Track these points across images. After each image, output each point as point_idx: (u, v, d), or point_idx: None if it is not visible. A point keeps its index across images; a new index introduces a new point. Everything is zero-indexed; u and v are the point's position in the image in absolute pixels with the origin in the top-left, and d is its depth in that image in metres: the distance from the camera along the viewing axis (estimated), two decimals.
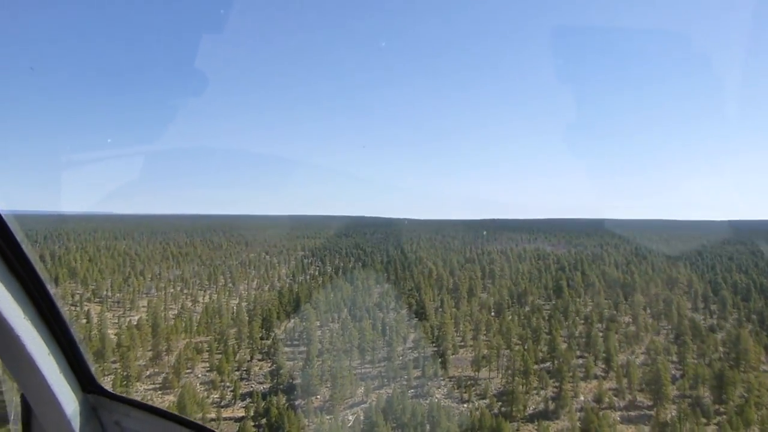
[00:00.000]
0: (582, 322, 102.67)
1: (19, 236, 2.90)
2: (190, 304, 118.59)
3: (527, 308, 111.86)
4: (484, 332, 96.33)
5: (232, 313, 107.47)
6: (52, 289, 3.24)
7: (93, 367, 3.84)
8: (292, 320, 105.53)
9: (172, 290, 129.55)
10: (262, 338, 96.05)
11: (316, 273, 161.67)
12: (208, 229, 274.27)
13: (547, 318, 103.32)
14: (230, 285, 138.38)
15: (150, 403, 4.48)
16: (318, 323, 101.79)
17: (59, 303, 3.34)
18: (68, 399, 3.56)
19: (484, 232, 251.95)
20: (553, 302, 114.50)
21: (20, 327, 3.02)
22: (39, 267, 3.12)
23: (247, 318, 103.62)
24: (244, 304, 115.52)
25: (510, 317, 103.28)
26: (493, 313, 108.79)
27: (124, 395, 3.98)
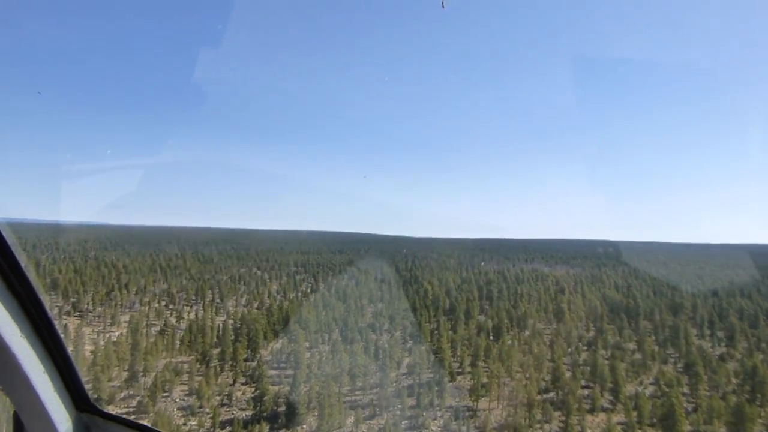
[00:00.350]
0: (585, 348, 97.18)
1: (18, 253, 2.87)
2: (174, 320, 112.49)
3: (527, 332, 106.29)
4: (483, 358, 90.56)
5: (217, 332, 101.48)
6: (48, 306, 3.19)
7: (87, 386, 3.78)
8: (280, 341, 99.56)
9: (156, 305, 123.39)
10: (246, 360, 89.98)
11: (308, 290, 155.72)
12: (202, 242, 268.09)
13: (548, 343, 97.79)
14: (218, 301, 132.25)
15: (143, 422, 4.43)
16: (307, 344, 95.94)
17: (55, 321, 3.27)
18: (62, 418, 3.52)
19: (483, 259, 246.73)
20: (554, 326, 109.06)
21: (16, 344, 2.99)
22: (36, 284, 3.09)
23: (233, 337, 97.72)
24: (230, 321, 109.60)
25: (510, 342, 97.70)
26: (491, 337, 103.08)
27: (118, 415, 3.88)
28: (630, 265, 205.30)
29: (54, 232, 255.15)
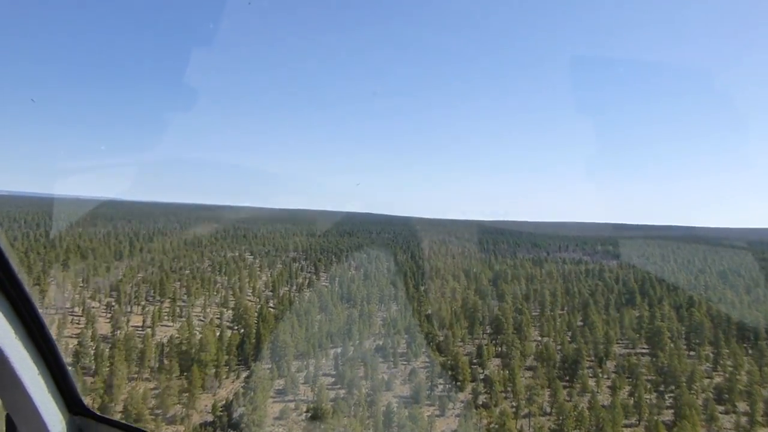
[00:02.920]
0: (714, 396, 60.52)
1: (10, 255, 2.80)
2: (104, 329, 77.51)
3: (613, 365, 69.62)
4: (556, 415, 54.38)
5: (154, 355, 66.44)
6: (40, 309, 3.10)
7: (80, 389, 3.68)
8: (247, 375, 64.15)
9: (94, 304, 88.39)
10: (185, 405, 54.68)
11: (305, 283, 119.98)
12: (197, 220, 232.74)
13: (654, 388, 61.27)
14: (183, 299, 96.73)
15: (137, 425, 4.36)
16: (282, 383, 60.53)
17: (47, 324, 3.17)
18: (54, 420, 3.41)
19: (509, 246, 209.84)
20: (650, 354, 72.21)
21: (9, 347, 2.92)
22: (28, 287, 2.99)
23: (175, 365, 62.54)
24: (184, 335, 74.28)
25: (594, 383, 61.38)
26: (561, 373, 66.60)
27: (111, 417, 3.78)
28: (683, 251, 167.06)
29: (35, 206, 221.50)
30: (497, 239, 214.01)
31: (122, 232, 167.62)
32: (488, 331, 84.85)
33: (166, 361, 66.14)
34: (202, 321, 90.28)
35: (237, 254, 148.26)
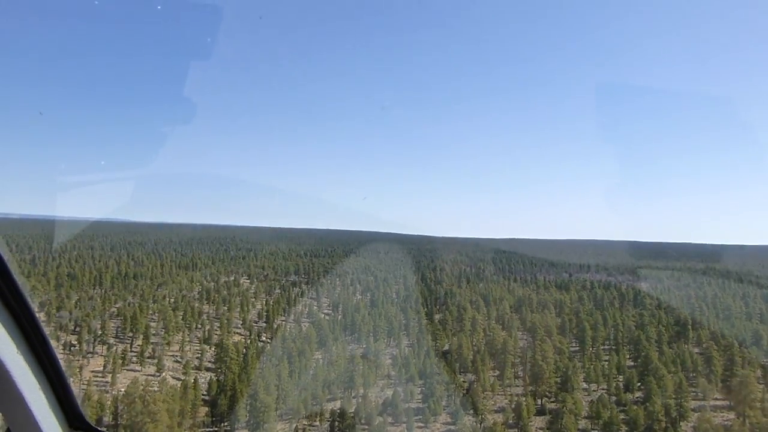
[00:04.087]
0: None
1: (14, 270, 2.77)
2: None
3: (690, 428, 53.24)
4: None
5: (109, 412, 51.07)
6: (43, 323, 3.06)
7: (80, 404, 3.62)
8: None
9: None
10: None
11: (303, 312, 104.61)
12: (193, 241, 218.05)
13: None
14: (160, 336, 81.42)
15: None
16: None
17: (49, 338, 3.15)
18: None
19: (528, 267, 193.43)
20: (733, 410, 55.73)
21: (11, 361, 2.86)
22: (32, 302, 2.98)
23: None
24: (143, 385, 58.81)
25: None
26: None
27: None
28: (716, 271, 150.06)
29: (34, 228, 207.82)
30: (511, 258, 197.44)
31: (108, 254, 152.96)
32: (521, 374, 68.79)
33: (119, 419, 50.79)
34: (178, 362, 75.04)
35: (232, 278, 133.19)
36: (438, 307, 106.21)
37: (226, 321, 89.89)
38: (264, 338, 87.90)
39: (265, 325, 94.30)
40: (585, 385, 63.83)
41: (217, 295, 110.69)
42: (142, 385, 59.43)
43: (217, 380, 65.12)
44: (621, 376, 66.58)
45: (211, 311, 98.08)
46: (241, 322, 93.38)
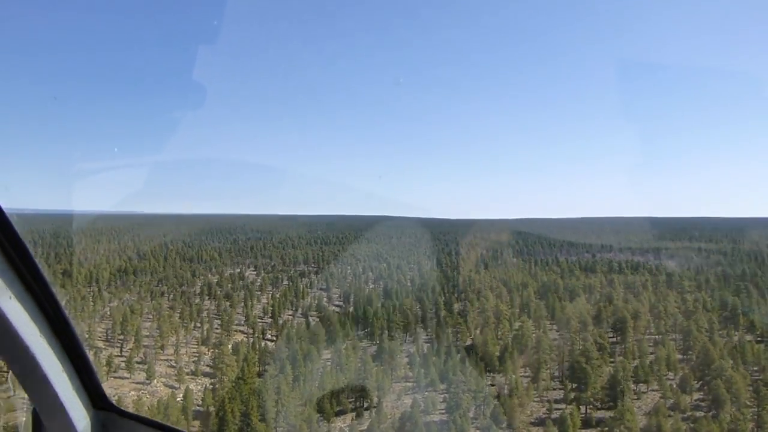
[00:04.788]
0: None
1: (35, 255, 2.78)
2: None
3: None
4: None
5: None
6: (65, 307, 3.11)
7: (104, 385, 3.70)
8: None
9: None
10: None
11: (312, 304, 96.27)
12: (202, 232, 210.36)
13: None
14: (154, 338, 73.39)
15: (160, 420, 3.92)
16: None
17: (72, 321, 3.17)
18: (79, 415, 3.38)
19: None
20: None
21: (35, 344, 2.92)
22: (54, 285, 3.01)
23: None
24: (134, 399, 50.83)
25: None
26: None
27: (134, 413, 3.77)
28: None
29: (53, 222, 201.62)
30: (528, 240, 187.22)
31: (109, 249, 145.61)
32: (557, 374, 59.76)
33: None
34: (172, 368, 67.03)
35: (238, 270, 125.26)
36: (456, 295, 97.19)
37: (227, 318, 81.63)
38: (269, 336, 79.75)
39: (270, 321, 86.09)
40: (632, 386, 54.64)
41: (220, 290, 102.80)
42: (127, 395, 51.54)
43: (213, 389, 57.03)
44: (672, 373, 57.30)
45: (212, 308, 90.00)
46: (244, 319, 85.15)
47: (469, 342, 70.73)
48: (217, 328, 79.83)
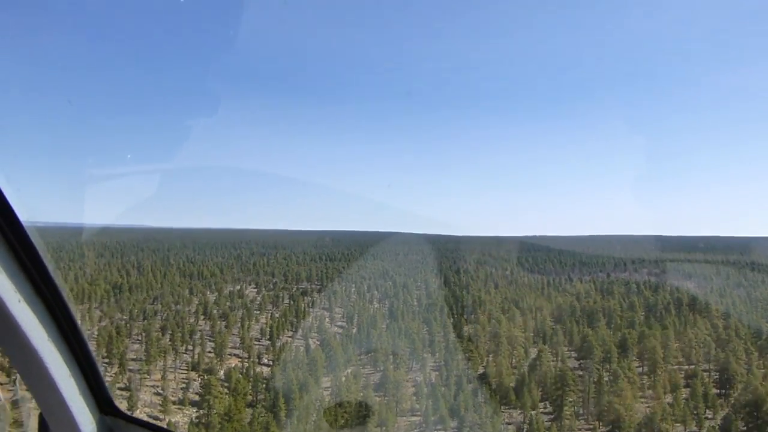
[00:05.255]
0: None
1: (46, 258, 2.76)
2: None
3: None
4: None
5: None
6: (74, 311, 3.09)
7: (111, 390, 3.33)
8: None
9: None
10: None
11: (313, 325, 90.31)
12: (209, 246, 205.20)
13: None
14: (141, 362, 67.54)
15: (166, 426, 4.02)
16: None
17: (80, 325, 3.16)
18: (86, 420, 3.34)
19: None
20: None
21: (43, 348, 2.88)
22: (64, 289, 2.99)
23: None
24: None
25: None
26: None
27: (141, 418, 3.79)
28: None
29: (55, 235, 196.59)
30: (538, 257, 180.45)
31: (109, 264, 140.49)
32: (582, 412, 53.23)
33: None
34: (158, 395, 61.10)
35: (238, 288, 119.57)
36: (466, 317, 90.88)
37: (221, 341, 75.71)
38: (265, 360, 73.77)
39: (268, 343, 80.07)
40: (668, 427, 48.05)
41: (217, 309, 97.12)
42: None
43: (198, 423, 51.03)
44: (711, 411, 50.69)
45: (207, 328, 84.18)
46: (240, 341, 79.22)
47: (481, 370, 64.35)
48: (210, 351, 73.96)
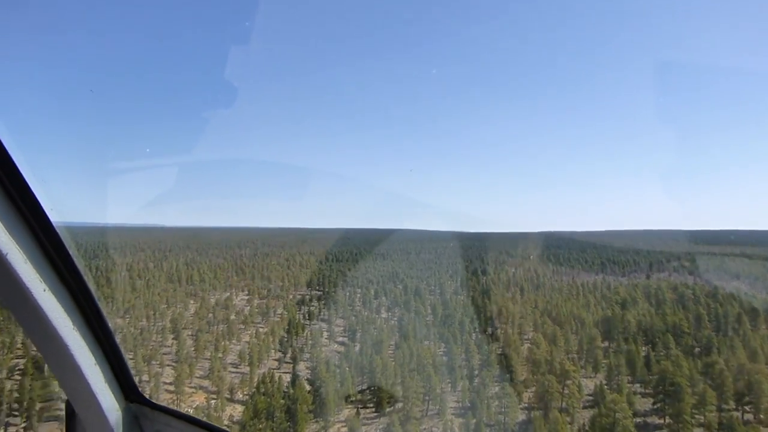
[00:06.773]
0: None
1: (72, 249, 2.79)
2: None
3: None
4: None
5: None
6: (99, 300, 3.08)
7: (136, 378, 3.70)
8: None
9: None
10: None
11: (307, 344, 73.28)
12: (212, 246, 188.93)
13: None
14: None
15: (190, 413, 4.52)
16: None
17: (105, 314, 3.16)
18: (112, 407, 3.37)
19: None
20: None
21: (69, 337, 2.91)
22: (89, 279, 2.99)
23: None
24: None
25: None
26: None
27: (166, 405, 3.71)
28: None
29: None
30: (561, 256, 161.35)
31: (102, 267, 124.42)
32: None
33: None
34: None
35: (227, 295, 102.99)
36: (492, 333, 73.24)
37: (186, 371, 58.83)
38: (239, 396, 56.80)
39: (247, 371, 63.06)
40: None
41: (198, 321, 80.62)
42: None
43: None
44: None
45: (173, 351, 67.33)
46: (209, 368, 62.20)
47: (520, 417, 46.64)
48: (170, 383, 57.20)
